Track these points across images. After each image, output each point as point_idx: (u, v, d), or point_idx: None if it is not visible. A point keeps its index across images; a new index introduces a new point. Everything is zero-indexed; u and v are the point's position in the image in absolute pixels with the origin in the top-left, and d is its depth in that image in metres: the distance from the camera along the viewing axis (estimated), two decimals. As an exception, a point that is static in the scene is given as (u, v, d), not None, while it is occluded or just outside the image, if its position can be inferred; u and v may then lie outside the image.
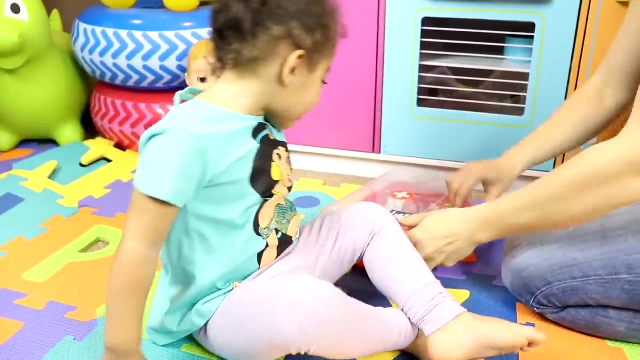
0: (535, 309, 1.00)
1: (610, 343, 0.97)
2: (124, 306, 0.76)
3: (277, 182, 0.88)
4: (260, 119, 0.87)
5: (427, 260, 0.96)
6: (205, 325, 0.87)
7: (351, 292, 0.86)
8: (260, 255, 0.88)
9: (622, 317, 0.94)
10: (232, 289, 0.87)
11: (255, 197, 0.85)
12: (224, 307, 0.85)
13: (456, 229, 0.95)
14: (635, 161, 0.78)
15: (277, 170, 0.88)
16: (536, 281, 0.97)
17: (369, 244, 0.95)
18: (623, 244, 0.91)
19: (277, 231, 0.89)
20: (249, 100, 0.84)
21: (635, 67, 1.02)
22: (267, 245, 0.88)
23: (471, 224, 0.94)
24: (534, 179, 0.97)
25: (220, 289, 0.87)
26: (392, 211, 1.21)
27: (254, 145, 0.84)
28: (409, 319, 0.88)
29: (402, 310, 0.89)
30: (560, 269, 0.94)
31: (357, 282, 1.04)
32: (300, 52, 0.81)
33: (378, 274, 0.93)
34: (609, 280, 0.91)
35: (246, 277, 0.88)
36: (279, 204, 0.89)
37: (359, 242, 0.96)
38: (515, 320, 1.02)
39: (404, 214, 1.17)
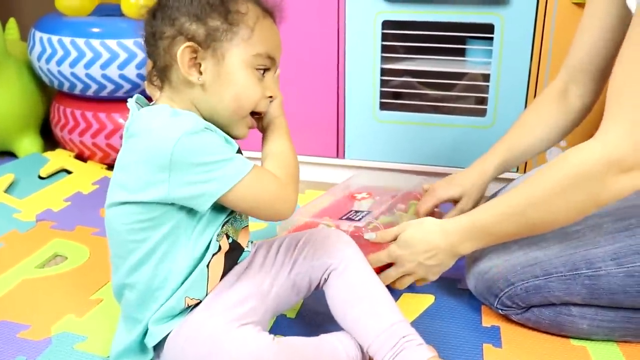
0: (500, 311, 1.00)
1: (574, 342, 0.97)
2: None
3: None
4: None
5: (409, 274, 0.96)
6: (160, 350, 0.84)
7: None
8: (209, 264, 0.84)
9: (585, 314, 0.94)
10: (184, 308, 0.83)
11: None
12: (169, 343, 0.82)
13: (437, 241, 0.94)
14: (615, 160, 0.78)
15: None
16: (499, 282, 0.96)
17: (326, 279, 0.91)
18: (581, 240, 0.91)
19: (227, 236, 0.86)
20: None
21: (596, 67, 1.02)
22: (219, 249, 0.84)
23: (452, 237, 0.93)
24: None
25: (174, 307, 0.83)
26: (359, 212, 1.20)
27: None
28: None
29: (368, 353, 0.85)
30: (522, 268, 0.94)
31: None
32: (187, 43, 0.78)
33: (340, 314, 0.88)
34: (570, 277, 0.91)
35: (196, 293, 0.83)
36: (232, 211, 0.87)
37: (315, 274, 0.91)
38: (480, 323, 1.02)
39: (370, 212, 1.16)
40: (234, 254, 0.88)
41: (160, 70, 0.82)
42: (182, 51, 0.78)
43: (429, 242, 0.94)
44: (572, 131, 1.11)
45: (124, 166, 0.81)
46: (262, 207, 0.81)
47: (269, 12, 0.84)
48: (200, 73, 0.80)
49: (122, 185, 0.81)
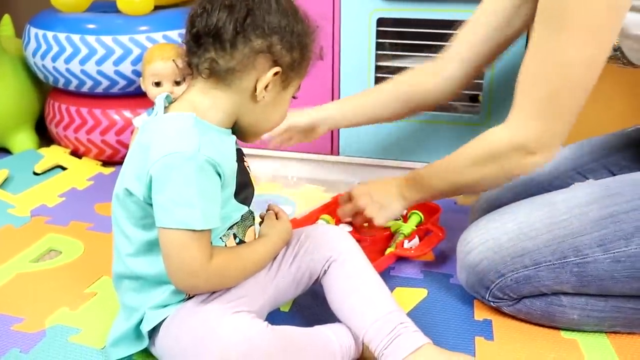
0: (492, 304, 1.01)
1: (564, 335, 0.98)
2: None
3: (253, 189, 0.89)
4: (231, 131, 0.86)
5: (361, 211, 1.11)
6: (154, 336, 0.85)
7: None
8: None
9: (575, 303, 0.95)
10: (184, 298, 0.84)
11: (236, 205, 0.85)
12: (164, 329, 0.83)
13: (391, 183, 1.12)
14: (520, 145, 0.92)
15: (253, 179, 0.90)
16: (490, 274, 0.97)
17: (325, 271, 0.92)
18: (568, 228, 0.93)
19: (234, 236, 0.88)
20: (223, 114, 0.83)
21: (485, 50, 1.13)
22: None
23: (400, 182, 1.11)
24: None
25: (174, 296, 0.84)
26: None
27: (235, 163, 0.84)
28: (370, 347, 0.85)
29: (363, 342, 0.86)
30: (512, 259, 0.95)
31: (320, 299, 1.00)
32: (277, 68, 0.81)
33: (337, 304, 0.90)
34: (559, 265, 0.93)
35: None
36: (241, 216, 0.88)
37: (315, 266, 0.93)
38: (472, 317, 1.03)
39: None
40: None
41: (222, 68, 0.80)
42: (271, 73, 0.80)
43: (384, 183, 1.14)
44: (425, 110, 1.26)
45: (130, 154, 0.84)
46: (170, 267, 0.79)
47: (318, 50, 0.88)
48: (266, 92, 0.82)
49: (125, 169, 0.84)
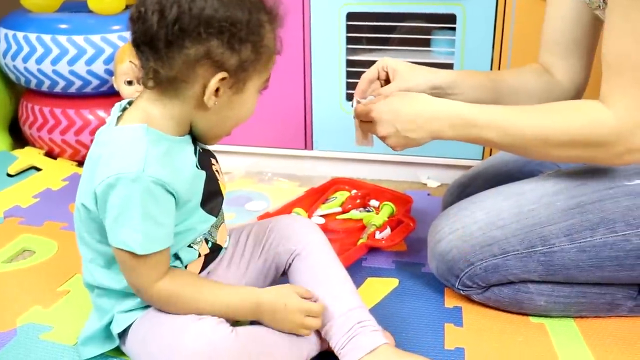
0: (461, 292, 1.02)
1: (533, 319, 0.99)
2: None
3: (222, 198, 0.88)
4: (189, 138, 0.83)
5: (382, 135, 0.94)
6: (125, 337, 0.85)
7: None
8: (186, 268, 0.86)
9: (542, 290, 0.97)
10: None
11: (203, 216, 0.84)
12: (132, 332, 0.83)
13: (423, 118, 0.92)
14: (630, 130, 0.82)
15: (223, 186, 0.88)
16: (459, 263, 0.98)
17: (290, 264, 0.92)
18: (536, 218, 0.94)
19: (206, 241, 0.88)
20: (174, 123, 0.79)
21: (571, 39, 1.03)
22: (198, 255, 0.87)
23: (439, 120, 0.92)
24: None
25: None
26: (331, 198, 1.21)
27: (201, 172, 0.82)
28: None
29: (325, 337, 0.85)
30: (481, 248, 0.96)
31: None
32: (222, 74, 0.74)
33: None
34: (526, 254, 0.94)
35: None
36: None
37: (280, 259, 0.93)
38: (443, 304, 1.04)
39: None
40: (214, 255, 0.90)
41: (166, 78, 0.75)
42: (215, 81, 0.74)
43: (416, 114, 0.92)
44: None
45: (85, 167, 0.82)
46: (127, 280, 0.81)
47: (278, 26, 0.80)
48: (217, 97, 0.77)
49: (81, 186, 0.82)
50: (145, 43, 0.74)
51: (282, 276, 0.96)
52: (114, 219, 0.75)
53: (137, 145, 0.75)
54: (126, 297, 0.84)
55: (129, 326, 0.84)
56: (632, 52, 0.81)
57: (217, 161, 0.90)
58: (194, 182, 0.81)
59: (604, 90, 0.85)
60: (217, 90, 0.76)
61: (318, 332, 0.86)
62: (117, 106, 0.83)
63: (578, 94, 1.08)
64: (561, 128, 0.86)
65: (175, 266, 0.84)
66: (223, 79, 0.75)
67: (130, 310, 0.84)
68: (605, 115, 0.84)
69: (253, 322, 0.85)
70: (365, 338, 0.82)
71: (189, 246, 0.85)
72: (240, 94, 0.78)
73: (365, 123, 0.99)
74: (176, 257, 0.84)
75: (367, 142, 1.02)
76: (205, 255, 0.88)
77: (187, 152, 0.81)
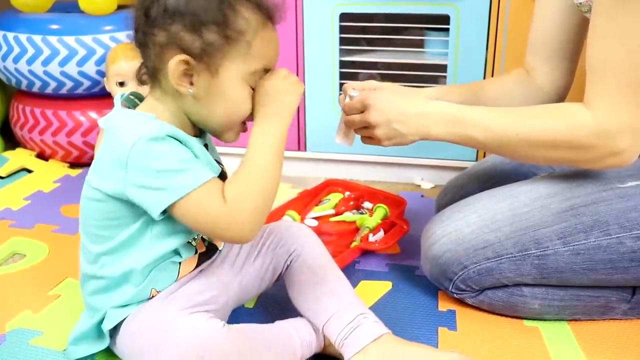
0: (455, 295, 1.01)
1: (527, 323, 0.99)
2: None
3: None
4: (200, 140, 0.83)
5: (370, 127, 0.94)
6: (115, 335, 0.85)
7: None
8: (180, 264, 0.85)
9: (536, 294, 0.97)
10: (148, 297, 0.84)
11: None
12: (124, 329, 0.83)
13: (414, 112, 0.93)
14: (608, 131, 0.83)
15: None
16: (453, 266, 0.98)
17: (288, 266, 0.93)
18: (530, 221, 0.93)
19: (203, 239, 0.87)
20: (173, 117, 0.80)
21: (557, 44, 1.03)
22: (195, 252, 0.86)
23: (429, 116, 0.93)
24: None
25: (136, 289, 0.83)
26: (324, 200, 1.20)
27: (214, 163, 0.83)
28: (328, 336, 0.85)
29: (324, 334, 0.86)
30: (475, 251, 0.96)
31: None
32: (181, 56, 0.74)
33: (298, 298, 0.90)
34: (520, 257, 0.94)
35: (163, 286, 0.84)
36: None
37: (279, 261, 0.94)
38: (436, 308, 1.03)
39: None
40: (209, 254, 0.90)
41: (150, 71, 0.79)
42: (175, 64, 0.74)
43: (406, 108, 0.93)
44: None
45: (97, 155, 0.82)
46: (204, 229, 0.78)
47: (270, 17, 0.78)
48: (192, 84, 0.76)
49: (94, 170, 0.82)
50: (136, 37, 0.78)
51: (276, 281, 0.96)
52: (154, 175, 0.73)
53: (150, 119, 0.76)
54: (121, 286, 0.83)
55: (120, 323, 0.83)
56: (616, 55, 0.81)
57: (223, 166, 0.90)
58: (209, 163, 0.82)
59: (588, 93, 0.85)
60: (191, 77, 0.76)
61: (313, 334, 0.86)
62: (119, 96, 0.84)
63: (559, 100, 1.07)
64: (542, 129, 0.87)
65: (173, 262, 0.84)
66: (187, 62, 0.74)
67: (124, 305, 0.83)
68: (585, 117, 0.84)
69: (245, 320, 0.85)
70: (368, 328, 0.83)
71: (188, 242, 0.85)
72: (216, 80, 0.77)
73: (351, 119, 0.98)
74: (176, 252, 0.84)
75: (347, 140, 1.02)
76: (200, 254, 0.88)
77: (198, 146, 0.81)
